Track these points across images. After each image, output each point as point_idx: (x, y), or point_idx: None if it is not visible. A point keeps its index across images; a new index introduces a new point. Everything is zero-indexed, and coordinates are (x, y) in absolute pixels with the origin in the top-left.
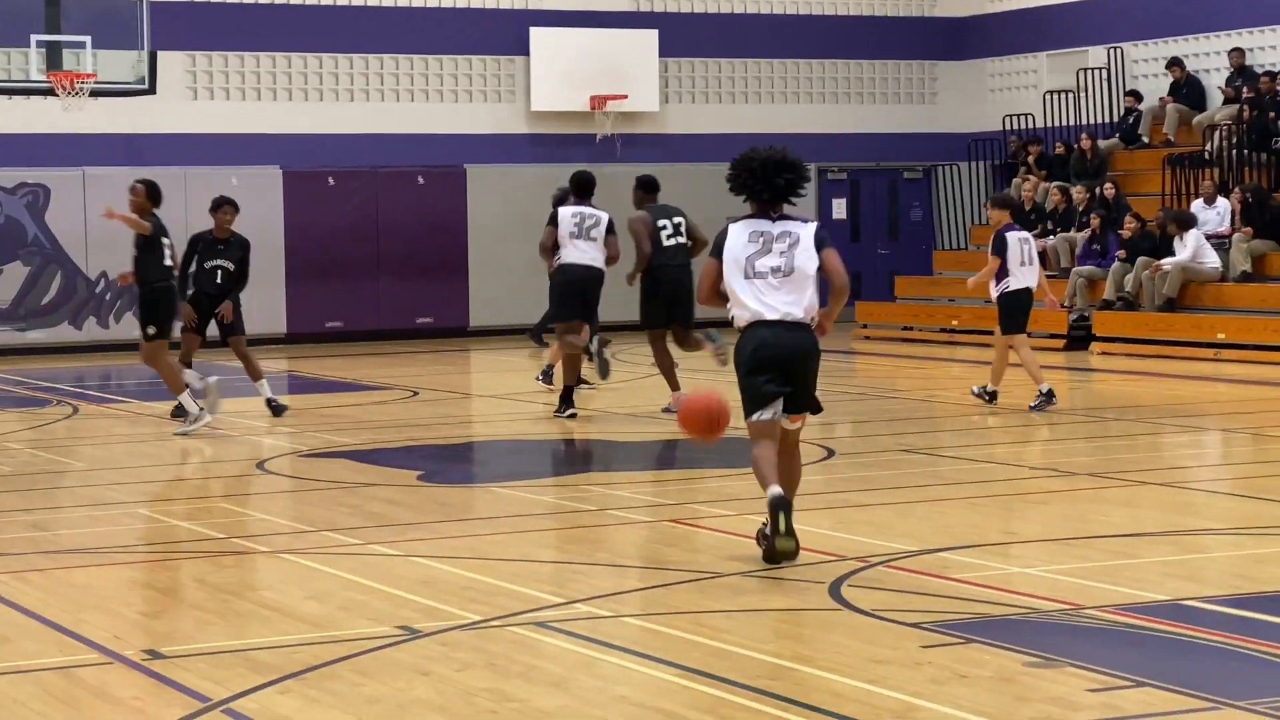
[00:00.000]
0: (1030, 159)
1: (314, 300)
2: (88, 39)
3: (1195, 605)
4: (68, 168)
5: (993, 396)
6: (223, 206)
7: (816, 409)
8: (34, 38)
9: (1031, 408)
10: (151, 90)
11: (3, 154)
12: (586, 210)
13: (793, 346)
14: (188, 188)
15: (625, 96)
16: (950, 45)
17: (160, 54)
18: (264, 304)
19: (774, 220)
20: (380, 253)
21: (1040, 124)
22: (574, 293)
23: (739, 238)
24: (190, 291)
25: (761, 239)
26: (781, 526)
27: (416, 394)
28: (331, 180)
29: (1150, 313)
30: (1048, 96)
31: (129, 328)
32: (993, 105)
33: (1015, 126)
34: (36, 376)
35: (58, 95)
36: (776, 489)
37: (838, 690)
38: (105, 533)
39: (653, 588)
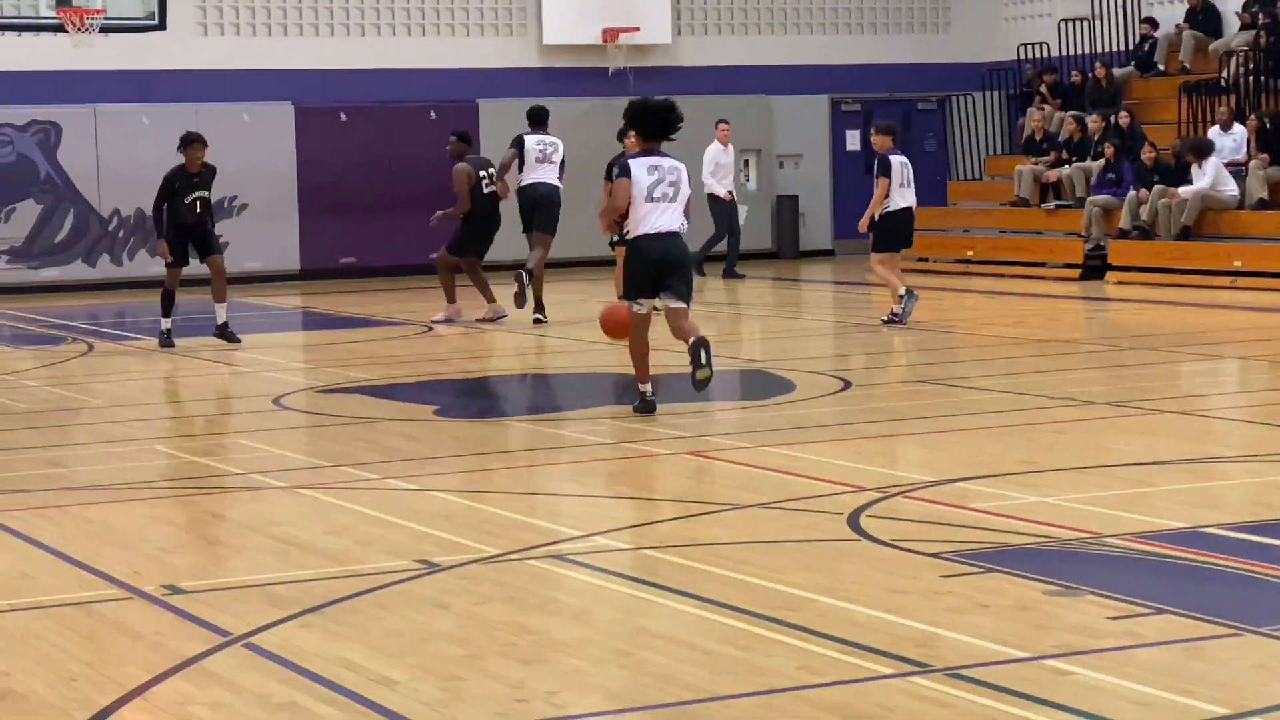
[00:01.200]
0: (1045, 88)
1: (327, 236)
2: None
3: (1214, 532)
4: (79, 104)
5: (897, 317)
6: (194, 143)
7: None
8: None
9: (884, 322)
10: (162, 26)
11: (13, 91)
12: (547, 138)
13: (674, 250)
14: (199, 124)
15: (637, 29)
16: None
17: None
18: (277, 240)
19: (661, 157)
20: (393, 188)
21: (1055, 53)
22: (536, 209)
23: (640, 171)
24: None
25: (656, 171)
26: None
27: (430, 329)
28: (343, 115)
29: (1166, 242)
30: (1062, 25)
31: (143, 264)
32: (1007, 34)
33: (1030, 55)
34: (51, 314)
35: (68, 32)
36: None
37: (858, 620)
38: (122, 469)
39: (670, 520)
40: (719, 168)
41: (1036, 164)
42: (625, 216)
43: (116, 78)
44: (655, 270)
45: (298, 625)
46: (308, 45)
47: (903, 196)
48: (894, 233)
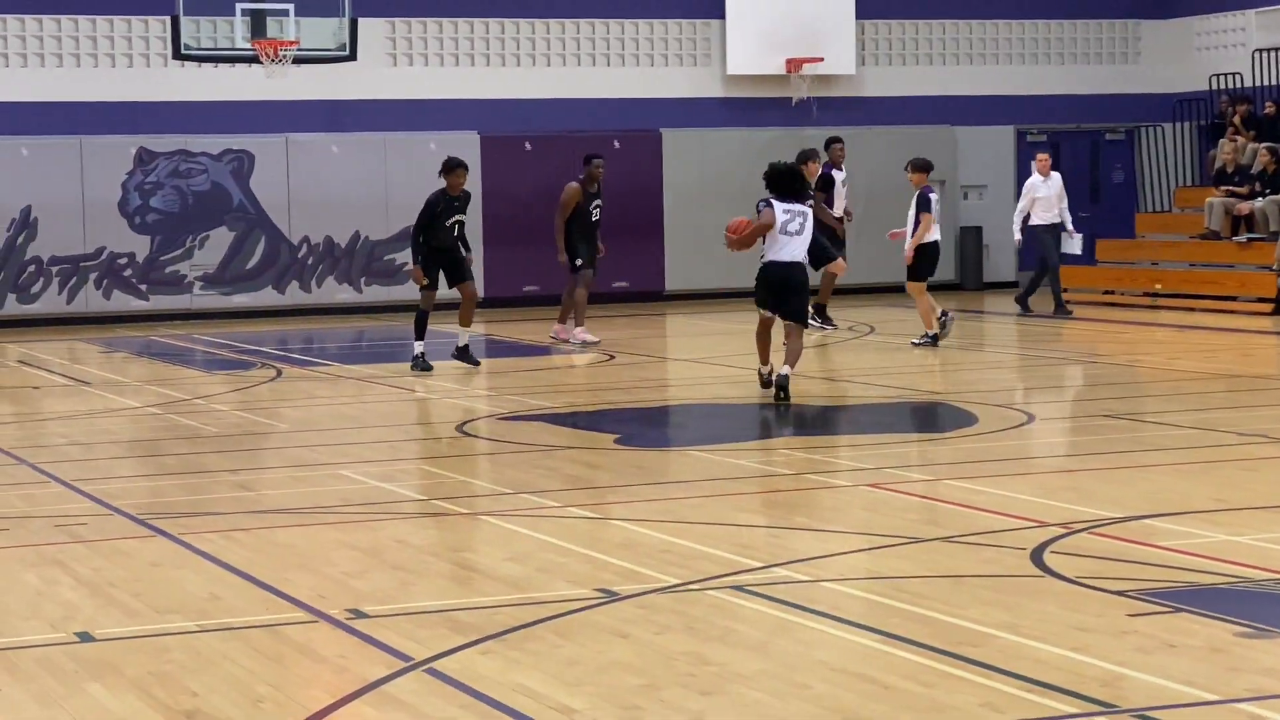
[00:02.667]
0: (1238, 119)
1: (511, 264)
2: (291, 6)
3: None
4: (271, 134)
5: (934, 339)
6: (456, 168)
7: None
8: (239, 6)
9: (914, 344)
10: (352, 56)
11: (209, 121)
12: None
13: (794, 277)
14: (387, 153)
15: (821, 59)
16: (1154, 3)
17: (361, 21)
18: None
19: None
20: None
21: (1248, 83)
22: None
23: (779, 208)
24: (424, 251)
25: (789, 212)
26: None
27: (613, 357)
28: (528, 145)
29: None
30: (1257, 55)
31: (330, 292)
32: (1198, 64)
33: (1222, 86)
34: (241, 340)
35: (262, 63)
36: (773, 367)
37: (1042, 658)
38: (309, 493)
39: (852, 552)
40: (1038, 201)
41: (1228, 196)
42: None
43: (308, 108)
44: (777, 290)
45: (478, 652)
46: (494, 75)
47: (937, 229)
48: (931, 262)
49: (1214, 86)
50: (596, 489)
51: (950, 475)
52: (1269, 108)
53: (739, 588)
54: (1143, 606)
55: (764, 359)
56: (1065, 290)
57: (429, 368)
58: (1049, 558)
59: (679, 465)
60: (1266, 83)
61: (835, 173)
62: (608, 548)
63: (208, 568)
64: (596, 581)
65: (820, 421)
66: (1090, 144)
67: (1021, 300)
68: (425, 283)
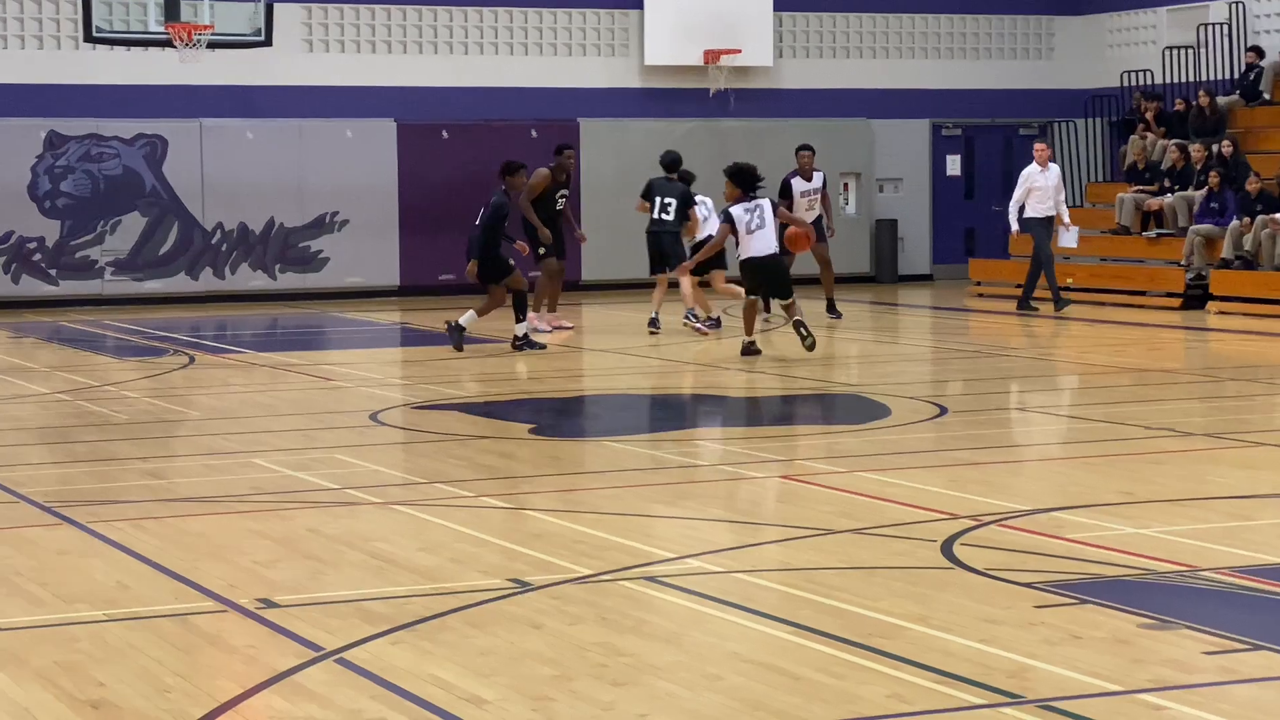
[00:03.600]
0: (1150, 115)
1: (427, 253)
2: None
3: None
4: (185, 119)
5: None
6: (519, 170)
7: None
8: None
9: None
10: (267, 42)
11: (121, 105)
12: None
13: (770, 267)
14: (303, 140)
15: (739, 51)
16: (1068, 0)
17: (276, 6)
18: (378, 256)
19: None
20: None
21: (1160, 80)
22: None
23: (739, 211)
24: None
25: (749, 210)
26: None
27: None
28: (445, 133)
29: (1269, 272)
30: (1167, 52)
31: (244, 278)
32: (1111, 61)
33: (1134, 83)
34: (154, 326)
35: (175, 47)
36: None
37: (951, 650)
38: (221, 482)
39: (765, 544)
40: (1034, 191)
41: (1139, 192)
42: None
43: (222, 92)
44: (762, 281)
45: (390, 642)
46: (411, 63)
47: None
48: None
49: (1126, 83)
50: (510, 479)
51: (863, 467)
52: (1179, 105)
53: (652, 579)
54: (1050, 598)
55: (749, 331)
56: (979, 284)
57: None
58: (959, 550)
59: (593, 456)
60: (1177, 80)
61: (795, 180)
62: (521, 538)
63: (116, 556)
64: (509, 572)
65: (735, 413)
66: (1004, 139)
67: (1024, 301)
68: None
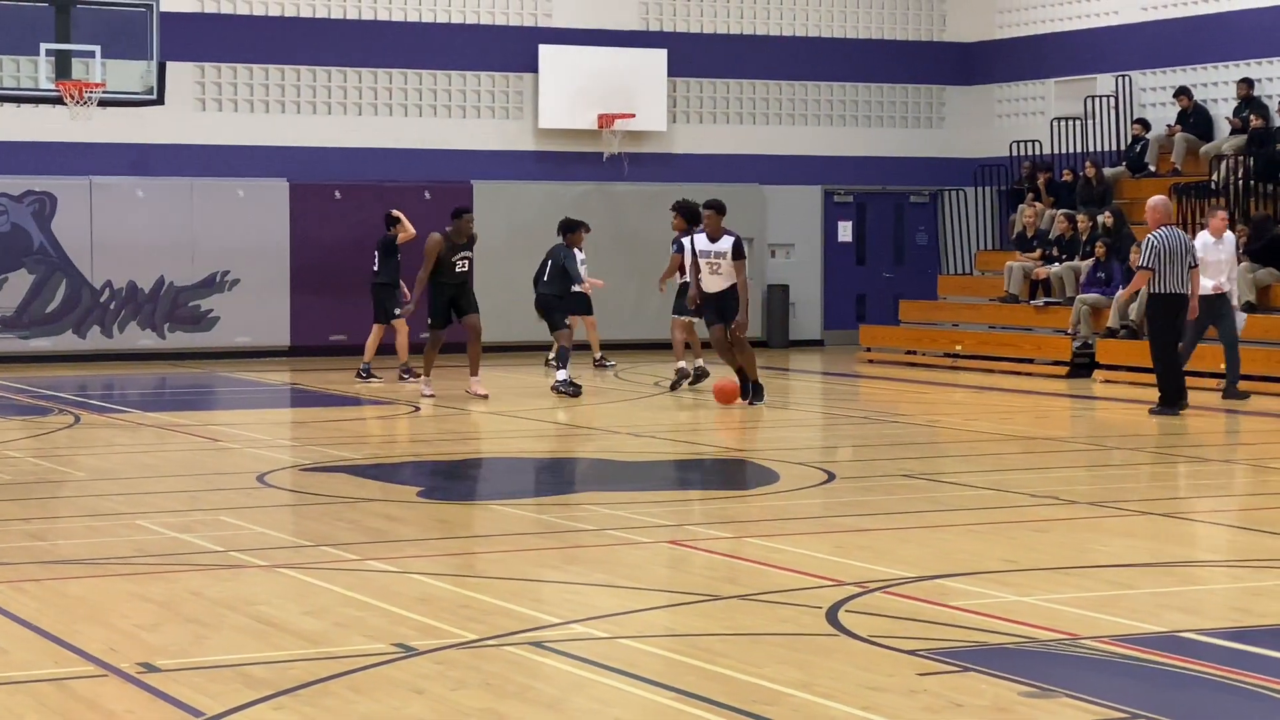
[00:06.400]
0: (1041, 183)
1: (318, 313)
2: (97, 49)
3: (1192, 637)
4: (75, 176)
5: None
6: (578, 228)
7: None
8: (44, 46)
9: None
10: (160, 100)
11: (10, 162)
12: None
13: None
14: (194, 198)
15: (633, 115)
16: (958, 70)
17: (169, 64)
18: (268, 315)
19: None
20: None
21: (1048, 150)
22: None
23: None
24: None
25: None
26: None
27: (418, 409)
28: (338, 194)
29: None
30: (1055, 123)
31: (133, 337)
32: (1000, 131)
33: (1022, 153)
34: (39, 385)
35: (66, 104)
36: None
37: (833, 716)
38: (103, 543)
39: (649, 609)
40: (1207, 265)
41: (1027, 260)
42: None
43: (113, 150)
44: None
45: (271, 707)
46: (304, 123)
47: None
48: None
49: (1014, 153)
50: (397, 542)
51: (750, 533)
52: (1066, 175)
53: (537, 644)
54: (933, 666)
55: (680, 356)
56: (869, 349)
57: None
58: (844, 616)
59: (480, 519)
60: (1063, 150)
61: (689, 239)
62: (406, 602)
63: None
64: (394, 636)
65: (623, 477)
66: (895, 206)
67: (1230, 389)
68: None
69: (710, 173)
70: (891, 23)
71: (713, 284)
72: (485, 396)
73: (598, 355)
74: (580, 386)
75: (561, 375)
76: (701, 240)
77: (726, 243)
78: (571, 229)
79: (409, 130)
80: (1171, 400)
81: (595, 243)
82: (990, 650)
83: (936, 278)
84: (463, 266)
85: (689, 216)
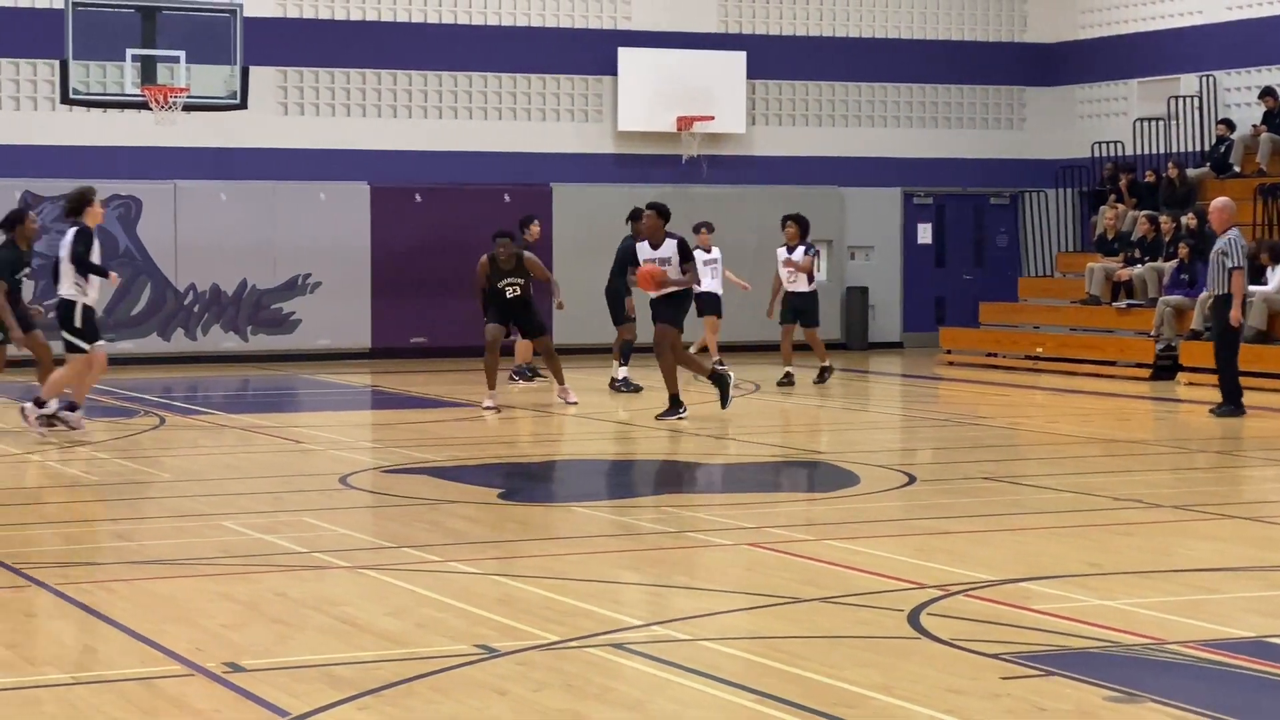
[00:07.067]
0: (1123, 185)
1: (399, 315)
2: (182, 54)
3: (1278, 642)
4: (159, 180)
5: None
6: (500, 239)
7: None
8: (130, 52)
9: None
10: (243, 105)
11: (96, 166)
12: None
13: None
14: (276, 202)
15: (712, 118)
16: (1040, 71)
17: (252, 69)
18: (349, 318)
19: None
20: (465, 269)
21: (1130, 151)
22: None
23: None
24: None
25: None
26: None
27: (499, 411)
28: (418, 197)
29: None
30: (1138, 124)
31: (216, 340)
32: (1082, 132)
33: (1104, 154)
34: (125, 387)
35: (151, 109)
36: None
37: None
38: (189, 544)
39: (730, 612)
40: None
41: (1109, 262)
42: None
43: (196, 154)
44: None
45: (355, 707)
46: (385, 126)
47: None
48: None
49: (1096, 154)
50: (478, 544)
51: (831, 535)
52: (1149, 176)
53: (618, 646)
54: (1015, 670)
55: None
56: (949, 351)
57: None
58: (925, 619)
59: (561, 521)
60: (1146, 151)
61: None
62: (487, 603)
63: (84, 619)
64: (475, 637)
65: (702, 479)
66: (974, 208)
67: None
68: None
69: (789, 175)
70: (972, 23)
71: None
72: (575, 403)
73: (715, 358)
74: (640, 386)
75: (622, 373)
76: (644, 249)
77: (670, 247)
78: (634, 217)
79: (489, 133)
80: (1235, 400)
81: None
82: (1074, 654)
83: (1017, 280)
84: (513, 292)
85: (666, 217)
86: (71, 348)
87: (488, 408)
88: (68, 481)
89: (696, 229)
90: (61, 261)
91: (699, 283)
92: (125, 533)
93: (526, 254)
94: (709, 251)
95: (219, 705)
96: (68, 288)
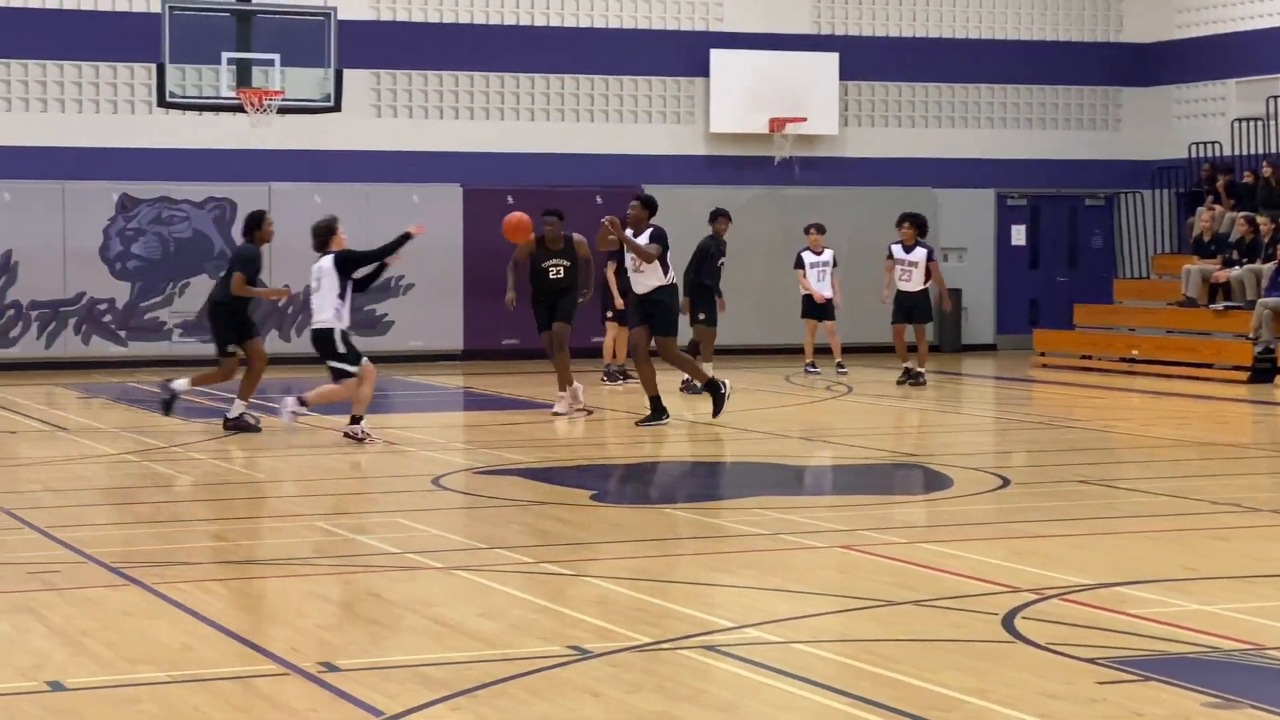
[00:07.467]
0: (1221, 186)
1: (491, 317)
2: (277, 57)
3: None
4: (254, 182)
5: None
6: (719, 217)
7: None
8: (225, 55)
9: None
10: (336, 108)
11: (191, 168)
12: None
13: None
14: (369, 204)
15: (804, 119)
16: (1135, 71)
17: (346, 72)
18: (442, 320)
19: None
20: None
21: (1228, 152)
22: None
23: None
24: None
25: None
26: None
27: (591, 413)
28: (510, 198)
29: None
30: (1236, 124)
31: (309, 341)
32: (1178, 132)
33: (1202, 154)
34: (220, 388)
35: (246, 112)
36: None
37: None
38: (284, 544)
39: (822, 614)
40: None
41: (1206, 264)
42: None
43: (290, 157)
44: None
45: (448, 707)
46: (477, 128)
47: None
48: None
49: (1193, 155)
50: (570, 545)
51: (924, 538)
52: (1247, 177)
53: (710, 648)
54: (1112, 674)
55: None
56: (1043, 354)
57: (698, 392)
58: (1020, 623)
59: (653, 523)
60: (1244, 152)
61: (895, 247)
62: (580, 605)
63: (181, 618)
64: (568, 639)
65: (795, 481)
66: (1069, 209)
67: None
68: (701, 317)
69: (882, 176)
70: (1067, 23)
71: (638, 283)
72: (561, 414)
73: (837, 360)
74: (700, 389)
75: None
76: (898, 250)
77: (645, 237)
78: (714, 217)
79: (581, 135)
80: None
81: (766, 246)
82: (1172, 660)
83: (1112, 281)
84: (556, 274)
85: (651, 209)
86: (339, 373)
87: (560, 414)
88: (164, 481)
89: (807, 230)
90: (323, 289)
91: (649, 261)
92: (221, 533)
93: (577, 236)
94: (819, 253)
95: (314, 704)
96: (328, 315)
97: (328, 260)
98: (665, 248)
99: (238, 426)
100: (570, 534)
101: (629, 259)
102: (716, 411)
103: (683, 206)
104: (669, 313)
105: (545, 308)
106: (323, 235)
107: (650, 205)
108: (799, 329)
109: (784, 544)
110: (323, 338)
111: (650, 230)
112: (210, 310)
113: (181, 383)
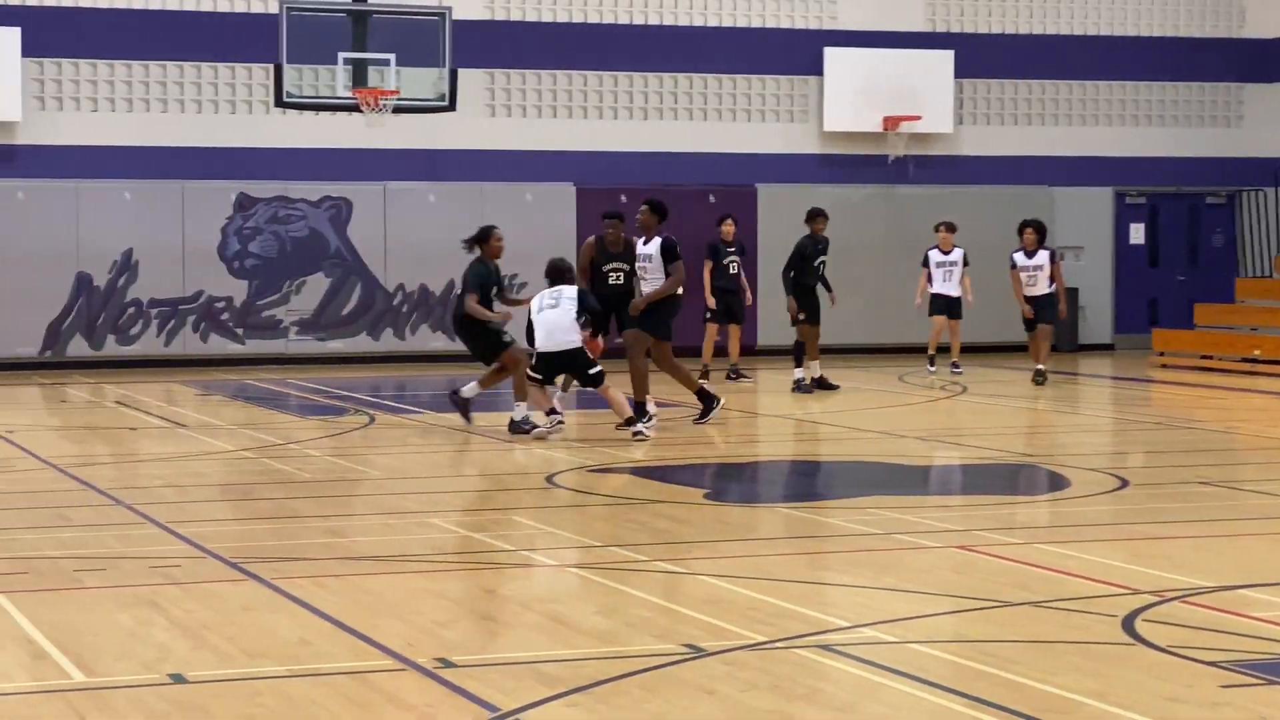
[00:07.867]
0: None
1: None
2: (392, 57)
3: None
4: (370, 182)
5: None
6: (817, 216)
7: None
8: (341, 55)
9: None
10: (451, 107)
11: (308, 168)
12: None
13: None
14: (484, 203)
15: (919, 118)
16: (1258, 67)
17: (460, 71)
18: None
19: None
20: None
21: None
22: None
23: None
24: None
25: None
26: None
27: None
28: (624, 198)
29: None
30: None
31: (424, 339)
32: None
33: None
34: (335, 385)
35: (362, 111)
36: None
37: None
38: (399, 541)
39: (938, 614)
40: None
41: None
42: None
43: (406, 156)
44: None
45: (564, 704)
46: (590, 127)
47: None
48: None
49: None
50: (684, 544)
51: (1041, 539)
52: None
53: (825, 647)
54: (1236, 678)
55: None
56: (1162, 354)
57: (809, 391)
58: (1140, 625)
59: (766, 521)
60: None
61: (1018, 255)
62: (694, 603)
63: (299, 613)
64: (683, 637)
65: (910, 481)
66: (1189, 208)
67: None
68: (802, 316)
69: (997, 175)
70: (1187, 19)
71: (647, 288)
72: (538, 427)
73: (954, 359)
74: (813, 388)
75: (798, 374)
76: (1021, 257)
77: (654, 246)
78: (811, 216)
79: (694, 134)
80: None
81: (879, 245)
82: None
83: (1234, 281)
84: (616, 279)
85: (660, 214)
86: (594, 381)
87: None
88: (280, 478)
89: (936, 228)
90: (561, 308)
91: (681, 286)
92: (337, 529)
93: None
94: (948, 253)
95: (431, 700)
96: (576, 336)
97: (574, 290)
98: (678, 258)
99: (519, 429)
100: (683, 532)
101: (639, 265)
102: (699, 419)
103: (796, 205)
104: (665, 317)
105: (607, 313)
106: (555, 272)
107: (659, 210)
108: (910, 329)
109: (898, 544)
110: (579, 359)
111: (660, 240)
112: (456, 327)
113: (470, 387)
